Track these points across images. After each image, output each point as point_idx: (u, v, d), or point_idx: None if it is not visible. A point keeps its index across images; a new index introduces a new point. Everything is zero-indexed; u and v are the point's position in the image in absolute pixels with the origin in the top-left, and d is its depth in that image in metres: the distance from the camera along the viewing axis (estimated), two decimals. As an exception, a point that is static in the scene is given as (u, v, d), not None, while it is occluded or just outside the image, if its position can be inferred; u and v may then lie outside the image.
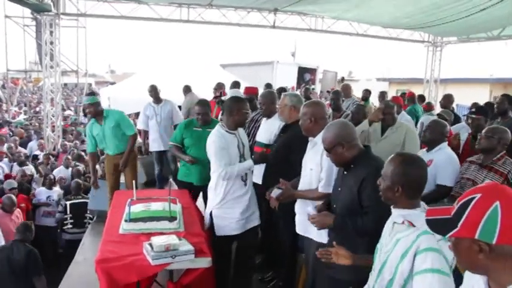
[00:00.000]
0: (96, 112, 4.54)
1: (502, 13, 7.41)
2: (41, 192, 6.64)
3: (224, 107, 3.45)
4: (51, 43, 9.73)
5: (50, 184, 6.67)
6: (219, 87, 6.23)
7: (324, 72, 17.95)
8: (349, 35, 11.65)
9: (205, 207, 3.64)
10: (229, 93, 5.10)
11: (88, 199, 5.74)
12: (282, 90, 6.12)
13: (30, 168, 7.73)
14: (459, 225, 1.12)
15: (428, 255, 1.58)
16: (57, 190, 6.73)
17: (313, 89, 8.79)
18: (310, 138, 2.88)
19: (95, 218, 5.21)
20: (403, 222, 1.73)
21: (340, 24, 11.20)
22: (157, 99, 5.95)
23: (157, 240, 2.64)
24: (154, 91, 5.93)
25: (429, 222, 1.21)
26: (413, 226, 1.69)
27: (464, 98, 12.52)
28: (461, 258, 1.19)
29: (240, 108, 3.27)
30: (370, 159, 2.41)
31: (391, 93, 9.41)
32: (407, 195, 1.75)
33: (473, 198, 1.12)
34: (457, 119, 5.62)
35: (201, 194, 4.29)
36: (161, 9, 10.42)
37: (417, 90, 10.99)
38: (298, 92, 8.28)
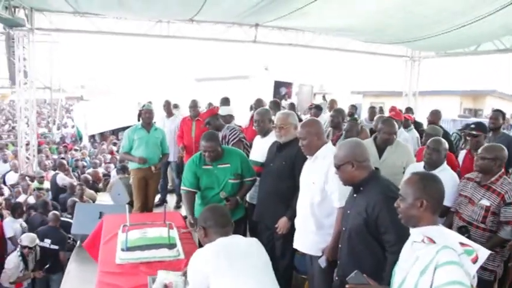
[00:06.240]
0: (151, 119, 5.27)
1: (475, 32, 7.85)
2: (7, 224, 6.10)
3: None
4: (25, 59, 9.32)
5: (19, 213, 6.24)
6: (195, 104, 5.98)
7: (300, 86, 18.12)
8: (329, 50, 11.76)
9: None
10: (221, 110, 4.95)
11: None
12: (276, 103, 6.04)
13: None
14: None
15: (449, 269, 1.56)
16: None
17: (291, 103, 8.73)
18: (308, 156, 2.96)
19: (78, 242, 4.94)
20: (422, 241, 1.71)
21: (320, 39, 11.29)
22: (168, 113, 6.50)
23: (160, 277, 2.46)
24: (166, 106, 6.53)
25: None
26: (433, 243, 1.67)
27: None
28: None
29: None
30: (379, 183, 2.38)
31: (365, 106, 9.53)
32: (431, 209, 1.76)
33: None
34: (445, 135, 5.65)
35: None
36: (136, 24, 10.16)
37: (392, 103, 11.17)
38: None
